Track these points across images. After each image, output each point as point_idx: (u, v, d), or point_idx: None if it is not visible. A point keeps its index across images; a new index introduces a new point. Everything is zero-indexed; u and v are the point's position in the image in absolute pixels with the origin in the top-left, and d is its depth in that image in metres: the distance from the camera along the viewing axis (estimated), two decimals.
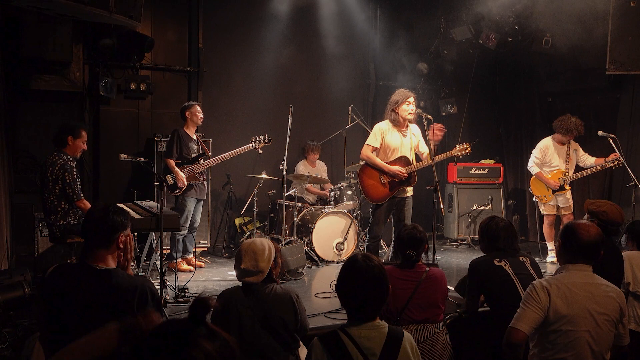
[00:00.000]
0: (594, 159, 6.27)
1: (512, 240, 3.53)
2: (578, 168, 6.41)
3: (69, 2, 4.64)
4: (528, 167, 6.59)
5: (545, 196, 6.41)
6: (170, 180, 5.70)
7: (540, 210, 6.55)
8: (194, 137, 6.02)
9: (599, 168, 6.16)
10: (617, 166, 5.98)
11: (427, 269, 3.44)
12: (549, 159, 6.41)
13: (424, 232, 3.54)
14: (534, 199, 6.67)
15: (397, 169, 5.12)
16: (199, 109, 5.99)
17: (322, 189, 7.38)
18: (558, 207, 6.43)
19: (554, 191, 6.35)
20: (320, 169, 7.50)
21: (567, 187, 6.35)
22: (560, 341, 2.57)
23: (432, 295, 3.40)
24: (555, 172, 6.38)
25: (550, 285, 2.61)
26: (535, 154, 6.49)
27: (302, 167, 7.34)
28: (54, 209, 4.55)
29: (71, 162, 4.60)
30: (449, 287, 4.70)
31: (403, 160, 5.18)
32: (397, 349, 2.16)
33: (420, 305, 3.35)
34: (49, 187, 4.53)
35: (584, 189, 7.40)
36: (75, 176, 4.55)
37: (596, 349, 2.55)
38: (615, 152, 5.89)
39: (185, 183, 5.74)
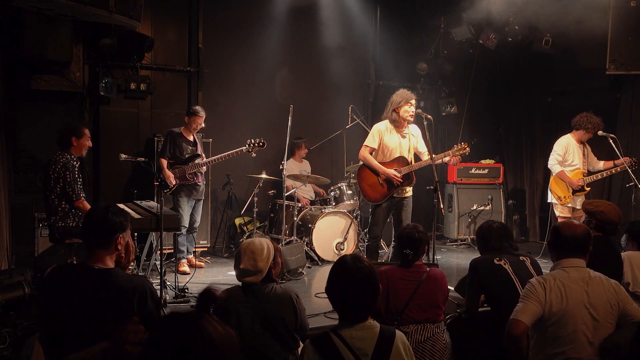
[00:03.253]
0: (602, 162, 6.02)
1: (503, 239, 3.58)
2: (588, 172, 6.12)
3: (69, 2, 4.64)
4: (549, 166, 6.20)
5: (565, 197, 6.06)
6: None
7: (556, 212, 6.19)
8: (191, 138, 6.02)
9: (612, 172, 5.90)
10: (634, 167, 5.72)
11: (428, 269, 3.45)
12: (570, 157, 6.08)
13: (424, 232, 3.54)
14: (551, 200, 6.24)
15: (392, 172, 5.11)
16: (202, 121, 5.96)
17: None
18: (574, 209, 6.06)
19: (573, 192, 6.02)
20: (305, 167, 7.48)
21: (587, 188, 6.03)
22: (557, 335, 2.61)
23: (433, 296, 3.40)
24: (575, 171, 6.05)
25: (546, 281, 2.67)
26: (558, 150, 6.11)
27: (291, 164, 7.29)
28: (55, 208, 4.54)
29: (74, 162, 4.61)
30: (449, 287, 4.72)
31: (401, 161, 5.18)
32: (389, 349, 2.16)
33: (421, 306, 3.35)
34: (51, 186, 4.53)
35: None
36: (76, 176, 4.55)
37: (594, 342, 2.59)
38: (621, 155, 5.74)
39: (174, 182, 5.76)
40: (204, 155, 6.12)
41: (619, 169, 5.88)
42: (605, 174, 6.03)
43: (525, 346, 2.64)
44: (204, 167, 6.02)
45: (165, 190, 5.78)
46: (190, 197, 5.91)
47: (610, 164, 5.96)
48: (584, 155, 6.10)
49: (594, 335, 2.59)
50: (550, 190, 6.23)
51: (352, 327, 2.18)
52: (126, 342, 1.67)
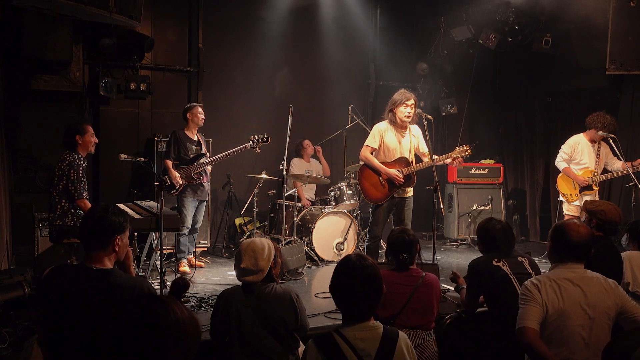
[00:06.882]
0: (621, 162, 5.81)
1: (510, 242, 3.55)
2: (604, 170, 6.00)
3: (69, 2, 4.63)
4: (555, 163, 6.14)
5: (571, 195, 5.97)
6: (167, 181, 5.71)
7: (564, 209, 6.10)
8: (195, 137, 6.03)
9: (626, 172, 5.73)
10: None
11: (423, 274, 3.44)
12: (579, 156, 5.98)
13: (413, 233, 3.53)
14: (559, 198, 6.23)
15: (394, 172, 5.09)
16: (200, 109, 6.00)
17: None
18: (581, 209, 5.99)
19: (581, 190, 5.91)
20: (314, 167, 7.48)
21: (596, 188, 5.91)
22: (554, 336, 2.58)
23: (429, 300, 3.40)
24: (584, 170, 5.95)
25: (540, 283, 2.64)
26: (564, 149, 6.06)
27: (297, 162, 7.34)
28: (55, 206, 4.56)
29: (80, 161, 4.61)
30: (449, 287, 4.72)
31: (402, 161, 5.17)
32: (392, 350, 2.15)
33: (418, 310, 3.34)
34: (55, 182, 4.56)
35: None
36: (80, 175, 4.56)
37: (590, 342, 2.56)
38: (621, 155, 5.64)
39: (181, 182, 5.75)
40: (208, 154, 6.12)
41: (625, 172, 5.72)
42: (616, 174, 5.90)
43: (545, 348, 2.55)
44: (209, 167, 6.02)
45: (172, 192, 5.78)
46: (194, 197, 5.90)
47: (627, 164, 5.72)
48: (597, 154, 5.96)
49: (590, 335, 2.56)
50: (557, 187, 6.19)
51: (355, 327, 2.17)
52: None
